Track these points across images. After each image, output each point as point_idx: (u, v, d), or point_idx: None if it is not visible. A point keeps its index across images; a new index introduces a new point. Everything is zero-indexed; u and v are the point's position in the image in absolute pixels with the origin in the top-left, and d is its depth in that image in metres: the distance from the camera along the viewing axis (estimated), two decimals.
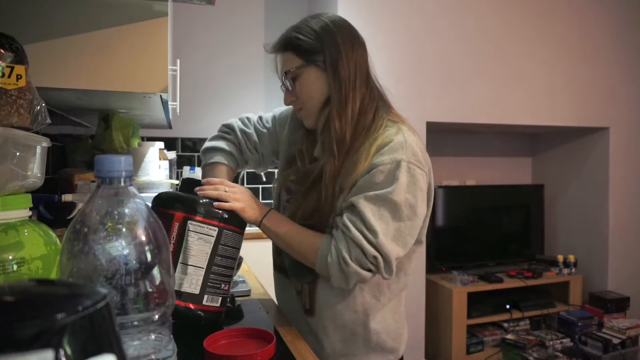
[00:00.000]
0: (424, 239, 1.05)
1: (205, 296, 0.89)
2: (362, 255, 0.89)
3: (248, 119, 1.22)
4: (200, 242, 0.88)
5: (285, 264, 1.11)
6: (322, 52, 0.96)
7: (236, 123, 1.21)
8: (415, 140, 0.96)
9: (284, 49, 1.00)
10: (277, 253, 1.15)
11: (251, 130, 1.19)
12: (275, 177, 1.20)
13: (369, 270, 0.90)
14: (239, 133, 1.19)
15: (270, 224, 0.98)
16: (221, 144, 1.19)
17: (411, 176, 0.91)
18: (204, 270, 0.88)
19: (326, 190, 0.95)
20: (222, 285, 0.92)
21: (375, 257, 0.89)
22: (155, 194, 0.94)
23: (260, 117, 1.22)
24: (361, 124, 0.96)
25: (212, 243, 0.90)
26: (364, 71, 1.01)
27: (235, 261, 0.96)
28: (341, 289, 0.98)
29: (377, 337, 1.03)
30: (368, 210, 0.89)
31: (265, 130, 1.19)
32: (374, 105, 1.00)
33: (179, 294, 0.86)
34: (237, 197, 0.95)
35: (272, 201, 1.21)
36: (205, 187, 0.95)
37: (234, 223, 0.94)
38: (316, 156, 1.03)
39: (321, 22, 0.99)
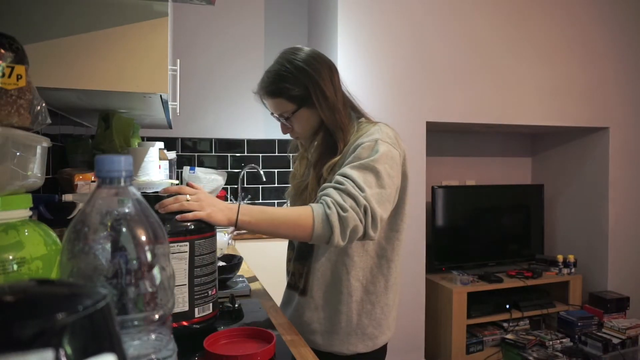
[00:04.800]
0: (403, 228, 1.16)
1: (196, 309, 0.88)
2: (355, 204, 0.96)
3: None
4: (174, 261, 0.85)
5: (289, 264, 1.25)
6: (310, 95, 1.12)
7: None
8: (390, 130, 1.12)
9: (274, 96, 1.14)
10: (288, 261, 1.27)
11: None
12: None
13: (360, 221, 0.96)
14: None
15: (248, 218, 0.95)
16: None
17: (388, 151, 1.04)
18: (187, 286, 0.87)
19: (312, 194, 1.11)
20: (210, 292, 0.91)
21: (365, 208, 0.96)
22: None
23: None
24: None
25: (187, 259, 0.87)
26: (341, 90, 1.18)
27: (215, 264, 0.94)
28: (333, 273, 1.13)
29: (358, 319, 1.13)
30: (355, 174, 1.00)
31: None
32: (354, 117, 1.18)
33: None
34: (201, 203, 0.90)
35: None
36: (165, 201, 0.89)
37: (203, 230, 0.90)
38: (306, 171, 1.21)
39: (300, 66, 1.12)
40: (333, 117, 1.13)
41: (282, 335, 0.96)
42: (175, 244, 0.86)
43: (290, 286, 1.24)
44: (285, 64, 1.14)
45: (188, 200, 0.90)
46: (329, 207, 0.96)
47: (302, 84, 1.12)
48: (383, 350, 1.19)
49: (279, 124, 1.21)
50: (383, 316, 1.16)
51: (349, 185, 0.98)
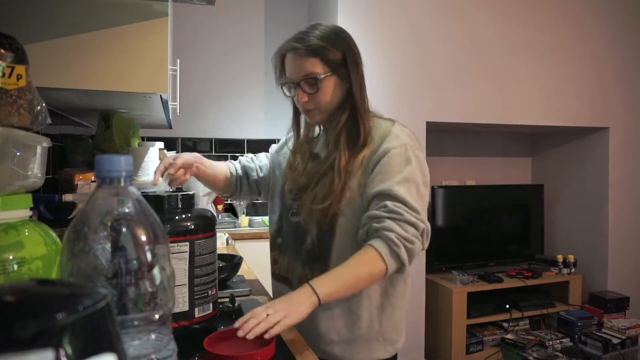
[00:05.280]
0: None
1: (196, 309, 0.88)
2: (416, 231, 0.98)
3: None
4: (175, 261, 0.84)
5: (285, 270, 1.16)
6: (345, 64, 1.06)
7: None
8: (408, 130, 1.10)
9: (310, 55, 1.04)
10: (274, 262, 1.20)
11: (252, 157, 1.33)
12: (274, 195, 1.24)
13: (422, 244, 1.00)
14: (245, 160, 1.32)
15: (326, 291, 0.91)
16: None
17: (416, 157, 1.04)
18: (187, 286, 0.87)
19: (339, 176, 1.04)
20: (209, 292, 0.91)
21: (424, 230, 1.00)
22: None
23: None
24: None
25: (187, 258, 0.87)
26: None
27: (215, 264, 0.94)
28: None
29: (379, 325, 1.07)
30: (403, 192, 0.98)
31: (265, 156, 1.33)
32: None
33: None
34: (280, 312, 0.85)
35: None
36: (247, 326, 0.82)
37: (203, 229, 0.89)
38: (317, 152, 1.14)
39: (337, 32, 1.08)
40: (361, 92, 1.08)
41: (282, 335, 0.96)
42: (176, 244, 0.86)
43: (277, 276, 1.17)
44: (324, 27, 1.07)
45: (268, 315, 0.84)
46: (395, 245, 0.95)
47: (340, 50, 1.06)
48: (396, 356, 1.15)
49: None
50: (401, 319, 1.12)
51: (406, 214, 0.97)
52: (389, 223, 0.96)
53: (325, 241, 1.07)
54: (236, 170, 1.27)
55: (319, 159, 1.13)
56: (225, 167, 1.25)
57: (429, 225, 1.02)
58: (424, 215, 1.02)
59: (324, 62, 1.05)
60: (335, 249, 1.06)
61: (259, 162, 1.30)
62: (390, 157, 1.02)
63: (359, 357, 1.07)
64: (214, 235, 0.94)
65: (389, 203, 0.98)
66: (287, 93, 1.12)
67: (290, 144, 1.21)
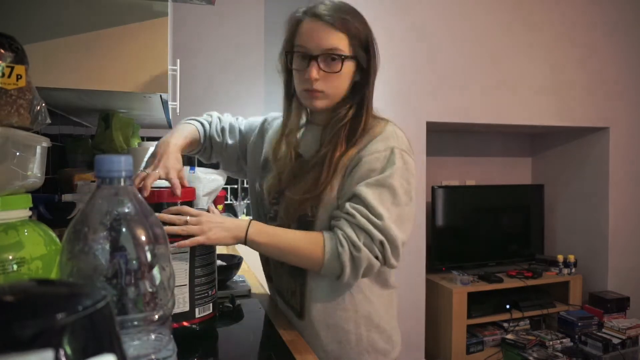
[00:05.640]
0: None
1: (197, 309, 0.88)
2: (370, 240, 0.89)
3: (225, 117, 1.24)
4: (175, 262, 0.84)
5: (271, 271, 1.10)
6: (367, 48, 0.97)
7: (214, 114, 1.23)
8: (402, 133, 1.00)
9: (337, 27, 0.93)
10: (265, 262, 1.14)
11: (225, 121, 1.21)
12: (252, 188, 1.17)
13: (376, 257, 0.90)
14: (214, 117, 1.21)
15: (257, 238, 0.91)
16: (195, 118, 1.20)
17: (404, 162, 0.94)
18: (187, 286, 0.87)
19: (327, 171, 0.95)
20: (210, 292, 0.91)
21: (381, 243, 0.89)
22: None
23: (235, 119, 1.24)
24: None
25: (188, 259, 0.87)
26: None
27: (215, 264, 0.94)
28: (332, 289, 0.99)
29: (368, 335, 1.01)
30: (370, 195, 0.90)
31: (236, 126, 1.21)
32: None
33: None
34: (201, 227, 0.85)
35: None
36: (164, 216, 0.84)
37: None
38: (301, 152, 1.03)
39: (363, 19, 1.00)
40: (371, 90, 1.00)
41: (283, 335, 0.96)
42: (176, 244, 0.86)
43: (285, 302, 1.08)
44: (349, 6, 0.99)
45: (187, 223, 0.85)
46: (341, 244, 0.89)
47: (365, 36, 0.97)
48: None
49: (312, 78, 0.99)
50: (392, 328, 1.06)
51: (360, 218, 0.89)
52: (341, 222, 0.91)
53: None
54: (205, 131, 1.17)
55: (301, 158, 1.02)
56: (194, 133, 1.13)
57: (397, 238, 0.90)
58: (395, 226, 0.90)
59: (351, 42, 0.94)
60: None
61: (228, 128, 1.19)
62: (370, 160, 0.93)
63: None
64: None
65: (348, 204, 0.91)
66: (294, 65, 0.97)
67: (272, 132, 1.11)
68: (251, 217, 1.05)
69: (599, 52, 3.10)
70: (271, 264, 1.10)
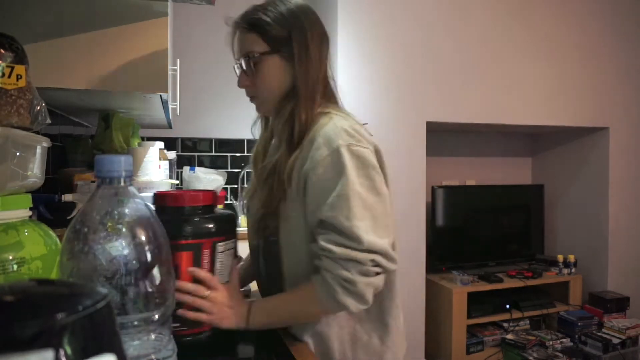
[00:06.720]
0: None
1: None
2: (360, 265, 0.82)
3: None
4: (227, 258, 0.90)
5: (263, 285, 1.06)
6: (289, 42, 0.92)
7: None
8: (348, 123, 0.90)
9: (249, 29, 0.94)
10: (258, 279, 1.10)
11: None
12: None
13: (377, 273, 0.84)
14: None
15: (259, 320, 0.89)
16: None
17: (356, 157, 0.85)
18: (228, 281, 0.92)
19: (279, 179, 0.90)
20: None
21: (372, 260, 0.82)
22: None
23: None
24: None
25: (233, 255, 0.93)
26: (325, 66, 0.98)
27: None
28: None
29: (353, 354, 0.94)
30: (337, 218, 0.82)
31: None
32: (325, 100, 0.98)
33: None
34: (212, 307, 0.84)
35: None
36: (181, 285, 0.82)
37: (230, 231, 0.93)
38: (271, 152, 1.00)
39: (290, 8, 0.94)
40: (306, 77, 0.92)
41: (282, 335, 0.96)
42: (230, 241, 0.90)
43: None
44: (279, 3, 0.95)
45: (204, 297, 0.84)
46: (334, 290, 0.82)
47: (286, 27, 0.92)
48: None
49: (241, 86, 1.00)
50: (382, 344, 0.96)
51: (340, 251, 0.81)
52: (324, 262, 0.84)
53: (274, 269, 0.96)
54: None
55: (265, 160, 0.98)
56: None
57: (384, 246, 0.83)
58: (374, 236, 0.82)
59: (265, 39, 0.92)
60: (285, 273, 0.94)
61: None
62: (317, 175, 0.85)
63: None
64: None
65: (321, 238, 0.85)
66: (237, 74, 0.99)
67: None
68: (251, 300, 0.97)
69: (599, 52, 3.10)
70: (261, 282, 1.06)
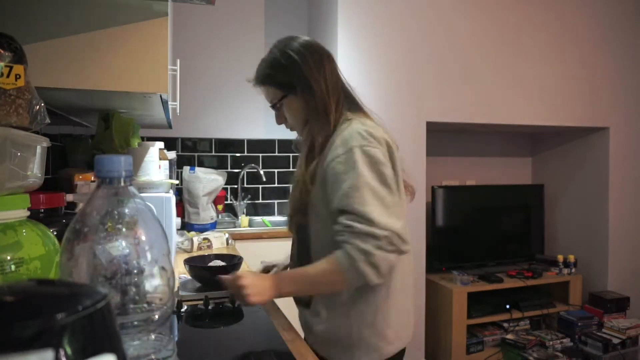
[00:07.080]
0: None
1: None
2: (377, 240, 0.93)
3: None
4: None
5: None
6: (294, 84, 1.11)
7: None
8: (363, 127, 1.05)
9: (263, 84, 1.15)
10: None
11: None
12: None
13: (392, 251, 0.95)
14: None
15: (288, 289, 1.02)
16: None
17: (367, 156, 1.00)
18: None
19: (304, 187, 1.07)
20: None
21: (387, 237, 0.93)
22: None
23: None
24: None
25: None
26: (334, 81, 1.13)
27: None
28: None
29: (358, 332, 1.06)
30: (352, 205, 0.96)
31: None
32: (343, 108, 1.14)
33: None
34: (251, 295, 0.98)
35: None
36: (228, 281, 1.02)
37: None
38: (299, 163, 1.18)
39: (287, 55, 1.12)
40: (316, 107, 1.10)
41: (282, 335, 0.96)
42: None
43: (296, 301, 1.19)
44: (276, 52, 1.14)
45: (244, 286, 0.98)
46: (355, 258, 0.94)
47: (285, 69, 1.11)
48: (397, 358, 1.12)
49: (278, 123, 1.22)
50: (386, 325, 1.08)
51: (359, 226, 0.95)
52: (345, 236, 0.96)
53: (304, 253, 1.13)
54: None
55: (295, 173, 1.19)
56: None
57: (396, 228, 0.95)
58: (385, 219, 0.95)
59: (276, 87, 1.13)
60: (313, 257, 1.09)
61: None
62: (333, 168, 1.02)
63: (337, 358, 1.08)
64: None
65: (341, 218, 0.98)
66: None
67: None
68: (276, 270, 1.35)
69: (599, 52, 3.10)
70: (294, 265, 1.21)
